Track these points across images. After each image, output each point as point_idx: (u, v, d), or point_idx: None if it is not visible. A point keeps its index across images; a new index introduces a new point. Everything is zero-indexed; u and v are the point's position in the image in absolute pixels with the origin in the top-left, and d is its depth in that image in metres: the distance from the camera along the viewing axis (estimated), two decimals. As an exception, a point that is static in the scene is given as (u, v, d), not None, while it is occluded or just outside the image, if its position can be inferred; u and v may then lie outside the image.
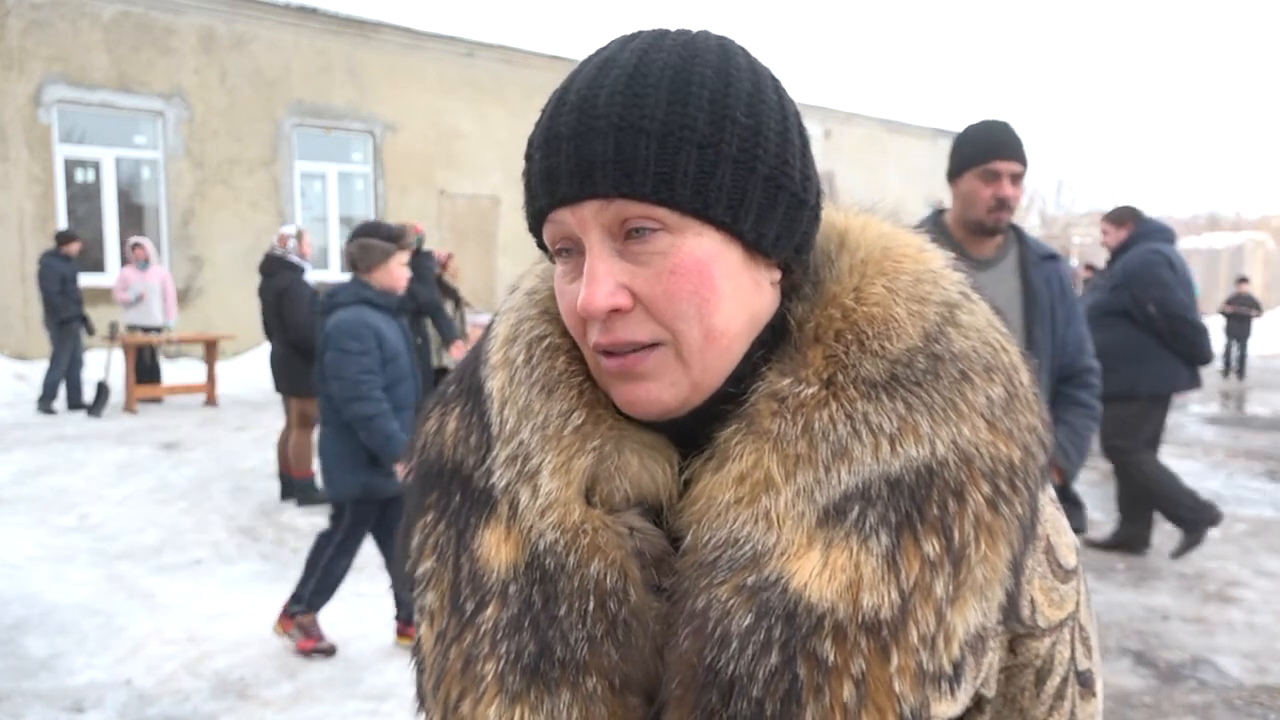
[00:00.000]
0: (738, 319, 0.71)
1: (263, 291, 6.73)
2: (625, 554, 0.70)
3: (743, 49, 0.74)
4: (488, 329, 0.85)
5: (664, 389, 0.71)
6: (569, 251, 0.72)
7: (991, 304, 0.79)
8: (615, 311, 0.69)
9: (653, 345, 0.70)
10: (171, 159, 12.75)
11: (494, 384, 0.78)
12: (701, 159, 0.67)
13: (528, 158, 0.72)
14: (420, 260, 7.11)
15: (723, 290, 0.69)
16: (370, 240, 4.14)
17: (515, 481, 0.74)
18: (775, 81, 0.74)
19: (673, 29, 0.74)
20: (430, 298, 7.26)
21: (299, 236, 6.75)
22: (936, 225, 2.84)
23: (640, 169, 0.66)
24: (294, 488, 6.62)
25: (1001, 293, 2.74)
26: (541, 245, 0.76)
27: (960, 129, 2.87)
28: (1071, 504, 3.22)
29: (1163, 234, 5.59)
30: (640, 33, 0.73)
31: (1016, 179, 2.71)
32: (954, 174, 2.80)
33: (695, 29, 0.75)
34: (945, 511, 0.68)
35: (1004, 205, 2.71)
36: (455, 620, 0.74)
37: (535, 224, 0.73)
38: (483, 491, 0.76)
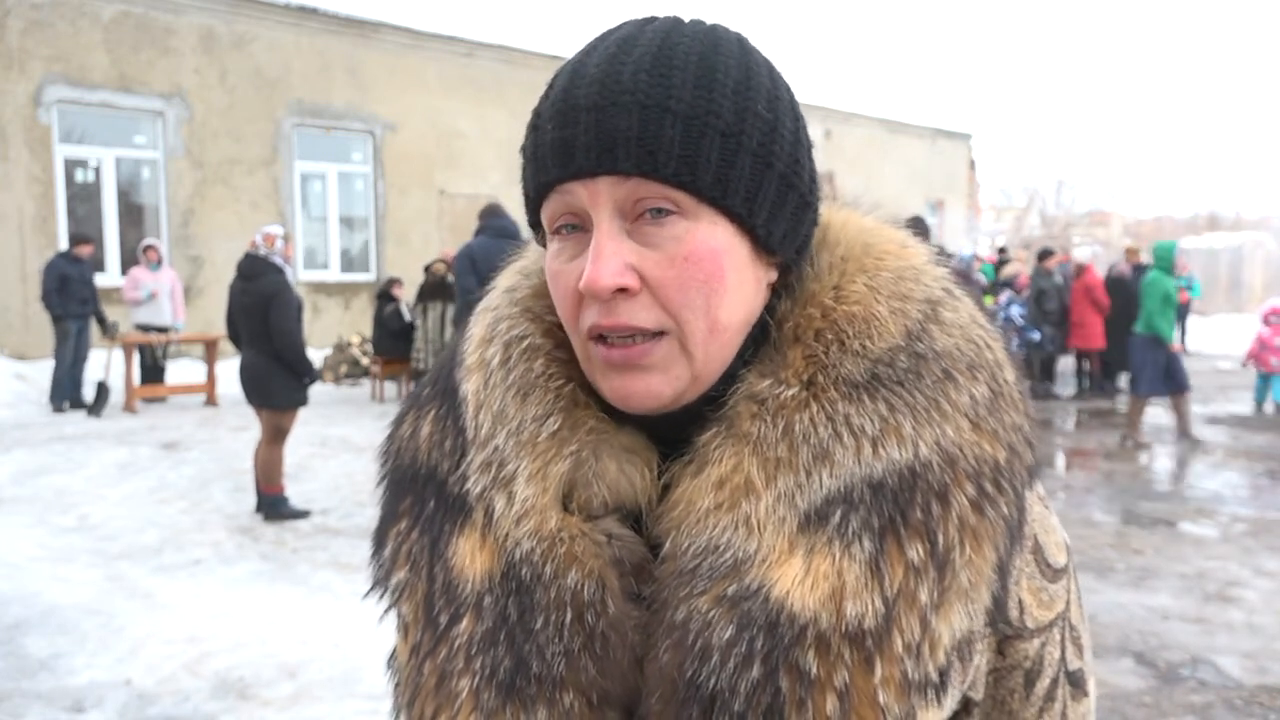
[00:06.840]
0: (738, 314, 0.70)
1: (240, 294, 6.19)
2: (603, 563, 0.69)
3: (755, 47, 0.74)
4: (464, 328, 0.82)
5: (666, 382, 0.69)
6: (570, 229, 0.69)
7: (975, 300, 0.77)
8: (621, 292, 0.67)
9: (658, 335, 0.68)
10: (171, 159, 12.76)
11: (469, 386, 0.76)
12: (724, 147, 0.66)
13: (536, 129, 0.70)
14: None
15: (730, 283, 0.68)
16: None
17: (490, 488, 0.72)
18: (785, 82, 0.74)
19: (687, 18, 0.73)
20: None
21: (286, 238, 6.33)
22: None
23: (665, 149, 0.65)
24: (261, 503, 6.33)
25: None
26: (533, 224, 0.74)
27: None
28: None
29: None
30: (656, 16, 0.72)
31: None
32: None
33: (708, 21, 0.73)
34: (929, 515, 0.67)
35: None
36: (430, 633, 0.72)
37: (537, 197, 0.71)
38: (457, 498, 0.74)
